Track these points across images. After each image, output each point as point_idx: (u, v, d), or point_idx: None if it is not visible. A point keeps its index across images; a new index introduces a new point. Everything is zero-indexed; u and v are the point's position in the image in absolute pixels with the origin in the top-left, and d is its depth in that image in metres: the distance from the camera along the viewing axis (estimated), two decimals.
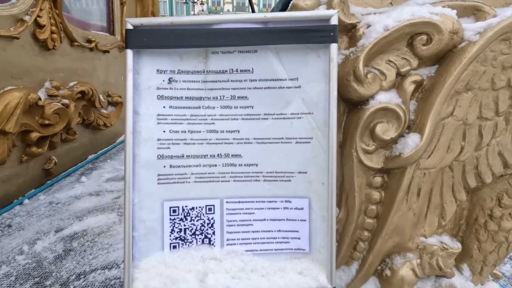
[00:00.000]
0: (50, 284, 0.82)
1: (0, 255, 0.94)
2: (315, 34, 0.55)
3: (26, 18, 1.17)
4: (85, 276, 0.85)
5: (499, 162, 0.73)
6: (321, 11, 0.56)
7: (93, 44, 1.67)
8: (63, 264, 0.90)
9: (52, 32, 1.31)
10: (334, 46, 0.54)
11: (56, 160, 1.50)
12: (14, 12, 1.12)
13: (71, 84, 1.54)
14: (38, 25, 1.24)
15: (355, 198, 0.77)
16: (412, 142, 0.68)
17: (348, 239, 0.80)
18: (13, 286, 0.81)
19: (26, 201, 1.29)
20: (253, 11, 1.29)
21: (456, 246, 0.77)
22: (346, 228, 0.81)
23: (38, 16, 1.22)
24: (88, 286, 0.81)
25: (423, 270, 0.77)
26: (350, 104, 0.74)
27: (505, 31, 0.61)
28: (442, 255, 0.76)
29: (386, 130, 0.70)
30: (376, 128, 0.70)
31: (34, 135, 1.27)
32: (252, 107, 0.59)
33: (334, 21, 0.54)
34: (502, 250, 0.80)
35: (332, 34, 0.54)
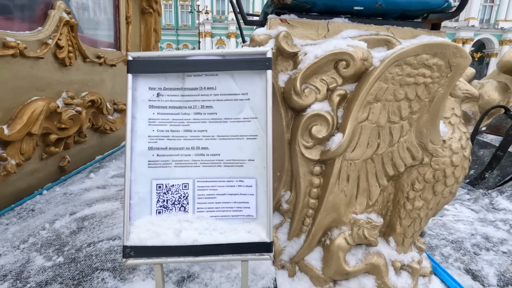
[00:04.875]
0: (67, 249, 1.05)
1: (27, 230, 1.18)
2: (257, 64, 0.79)
3: (49, 41, 1.43)
4: (94, 245, 1.08)
5: (408, 155, 0.96)
6: (260, 48, 0.80)
7: (102, 60, 1.93)
8: (77, 237, 1.14)
9: (69, 52, 1.57)
10: (269, 72, 0.78)
11: (69, 159, 1.75)
12: (40, 37, 1.39)
13: (83, 94, 1.80)
14: (58, 46, 1.50)
15: (301, 183, 1.00)
16: (337, 140, 0.92)
17: (297, 216, 1.03)
18: (40, 251, 1.04)
19: (44, 192, 1.53)
20: (238, 24, 1.44)
21: (379, 221, 1.00)
22: (296, 208, 1.03)
23: (59, 39, 1.48)
24: (97, 251, 1.04)
25: (353, 239, 0.99)
26: (295, 111, 0.97)
27: (396, 59, 0.84)
28: (367, 227, 0.98)
29: (319, 130, 0.93)
30: (312, 129, 0.93)
31: (53, 137, 1.52)
32: (216, 114, 0.83)
33: (268, 55, 0.78)
34: (416, 224, 1.02)
35: (267, 63, 0.78)
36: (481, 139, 2.09)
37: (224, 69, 0.81)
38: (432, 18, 0.96)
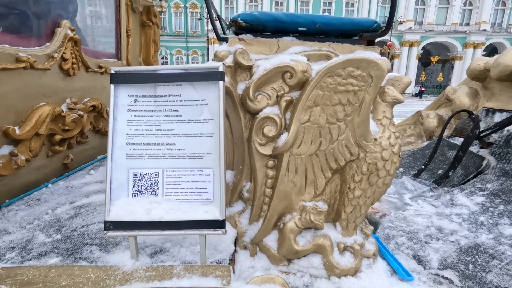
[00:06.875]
0: (65, 230, 1.26)
1: (33, 215, 1.39)
2: (212, 76, 0.98)
3: (55, 55, 1.67)
4: (87, 226, 1.28)
5: (347, 151, 1.13)
6: (214, 63, 0.99)
7: (103, 69, 2.17)
8: (74, 220, 1.34)
9: (72, 63, 1.80)
10: (221, 82, 0.97)
11: (73, 157, 1.97)
12: (48, 51, 1.62)
13: (85, 100, 2.03)
14: (63, 59, 1.73)
15: (258, 175, 1.18)
16: (284, 138, 1.10)
17: (256, 203, 1.21)
18: (42, 231, 1.25)
19: (50, 185, 1.75)
20: (216, 33, 1.59)
21: (324, 207, 1.17)
22: (254, 196, 1.21)
23: (64, 53, 1.71)
24: (89, 231, 1.24)
25: (302, 223, 1.16)
26: (251, 114, 1.16)
27: (328, 71, 1.02)
28: (313, 212, 1.15)
29: (270, 130, 1.12)
30: (264, 129, 1.12)
31: (57, 137, 1.75)
32: (181, 116, 1.03)
33: (220, 69, 0.97)
34: (357, 211, 1.18)
35: (219, 76, 0.97)
36: (452, 141, 2.22)
37: (187, 80, 1.01)
38: (366, 36, 1.14)
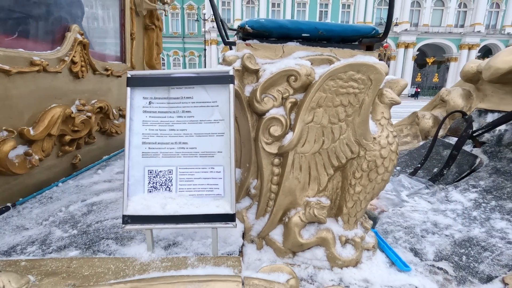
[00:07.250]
0: (80, 225, 1.32)
1: (48, 212, 1.45)
2: (222, 79, 1.05)
3: (66, 58, 1.73)
4: (101, 222, 1.35)
5: (348, 150, 1.20)
6: (225, 68, 1.06)
7: (109, 72, 2.23)
8: (87, 217, 1.40)
9: (81, 66, 1.86)
10: (231, 85, 1.04)
11: (80, 157, 2.03)
12: (59, 55, 1.68)
13: (93, 101, 2.09)
14: (73, 62, 1.79)
15: (264, 172, 1.25)
16: (289, 137, 1.17)
17: (263, 199, 1.28)
18: (58, 226, 1.31)
19: (60, 184, 1.81)
20: (222, 37, 1.68)
21: (327, 203, 1.24)
22: (261, 192, 1.29)
23: (73, 56, 1.77)
24: (103, 226, 1.30)
25: (306, 217, 1.24)
26: (258, 115, 1.23)
27: (331, 75, 1.10)
28: (317, 207, 1.23)
29: (276, 130, 1.19)
30: (270, 129, 1.19)
31: (67, 138, 1.81)
32: (193, 117, 1.10)
33: (231, 73, 1.04)
34: (358, 206, 1.25)
35: (229, 79, 1.04)
36: (446, 140, 2.31)
37: (198, 83, 1.08)
38: (365, 42, 1.22)
